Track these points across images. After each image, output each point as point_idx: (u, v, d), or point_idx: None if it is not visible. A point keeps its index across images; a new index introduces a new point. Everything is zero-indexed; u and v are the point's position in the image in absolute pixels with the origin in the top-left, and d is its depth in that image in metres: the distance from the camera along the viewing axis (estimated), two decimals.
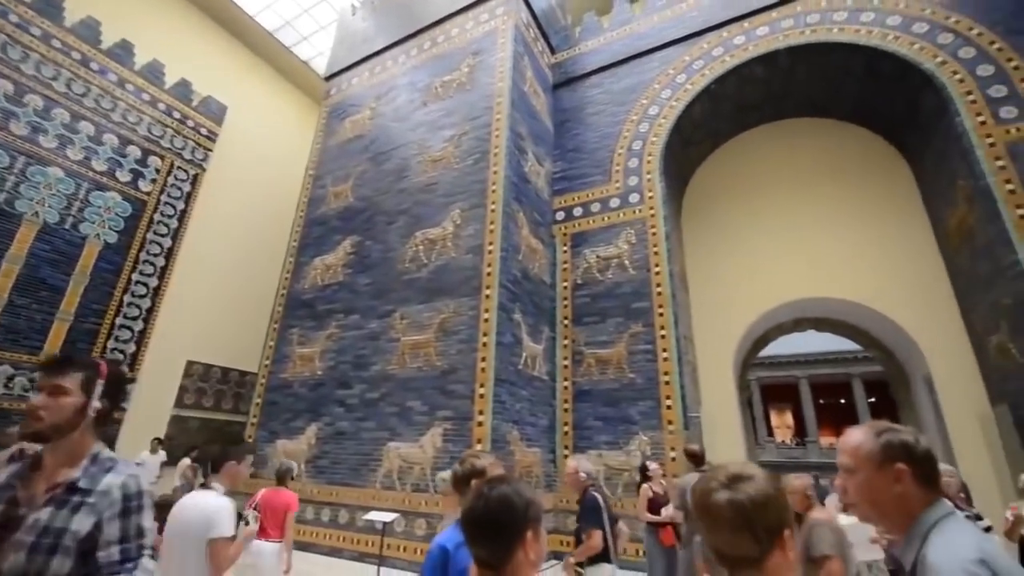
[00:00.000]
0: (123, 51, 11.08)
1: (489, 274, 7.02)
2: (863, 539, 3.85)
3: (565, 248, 8.86)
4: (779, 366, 27.56)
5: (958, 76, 6.90)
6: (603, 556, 3.44)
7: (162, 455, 8.61)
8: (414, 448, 6.65)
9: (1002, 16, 6.95)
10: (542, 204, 8.85)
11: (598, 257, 8.43)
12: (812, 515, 2.83)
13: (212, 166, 12.57)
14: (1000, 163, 6.26)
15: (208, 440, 10.91)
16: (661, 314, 7.58)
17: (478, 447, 6.13)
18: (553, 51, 10.80)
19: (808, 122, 9.76)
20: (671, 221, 8.75)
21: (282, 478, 4.17)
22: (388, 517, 5.05)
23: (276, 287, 10.01)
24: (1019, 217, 5.98)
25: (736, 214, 9.79)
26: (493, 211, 7.44)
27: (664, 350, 7.39)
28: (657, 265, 7.88)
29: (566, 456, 7.54)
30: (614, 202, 8.68)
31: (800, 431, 29.42)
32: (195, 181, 12.06)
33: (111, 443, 9.00)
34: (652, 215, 8.24)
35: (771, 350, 16.91)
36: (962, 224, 7.12)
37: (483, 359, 6.55)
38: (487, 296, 6.89)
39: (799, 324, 10.58)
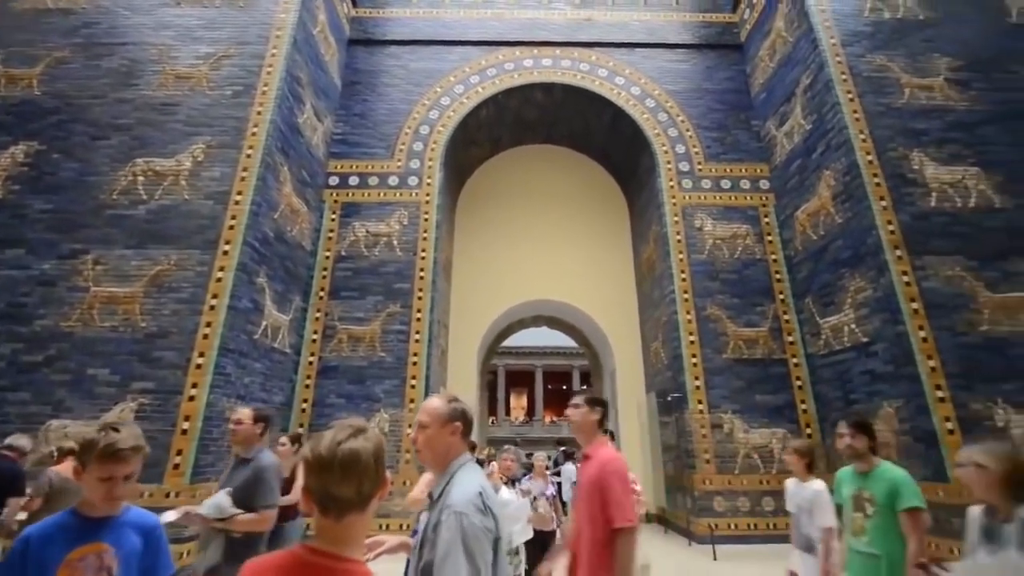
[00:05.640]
0: None
1: (232, 228, 6.07)
2: (523, 520, 4.01)
3: (334, 216, 8.33)
4: (521, 355, 31.82)
5: (664, 148, 9.11)
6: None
7: None
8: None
9: (698, 112, 9.45)
10: (314, 163, 8.11)
11: (367, 232, 8.20)
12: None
13: None
14: (676, 219, 8.52)
15: None
16: (420, 298, 7.85)
17: (185, 424, 5.26)
18: (355, 2, 10.00)
19: (569, 153, 11.49)
20: (444, 211, 9.13)
21: None
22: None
23: None
24: (680, 260, 8.26)
25: (500, 217, 10.88)
26: (249, 157, 6.46)
27: (417, 332, 7.68)
28: (424, 251, 8.13)
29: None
30: (393, 180, 8.58)
31: (531, 411, 34.57)
32: None
33: None
34: (427, 201, 8.45)
35: (516, 341, 19.38)
36: (649, 259, 9.46)
37: (208, 324, 5.63)
38: (225, 252, 5.94)
39: (536, 320, 12.42)
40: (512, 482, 4.22)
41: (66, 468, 3.94)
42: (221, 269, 5.88)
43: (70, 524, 1.45)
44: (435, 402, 1.59)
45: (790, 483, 3.24)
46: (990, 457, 1.80)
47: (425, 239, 8.19)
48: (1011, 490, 1.74)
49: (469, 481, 1.44)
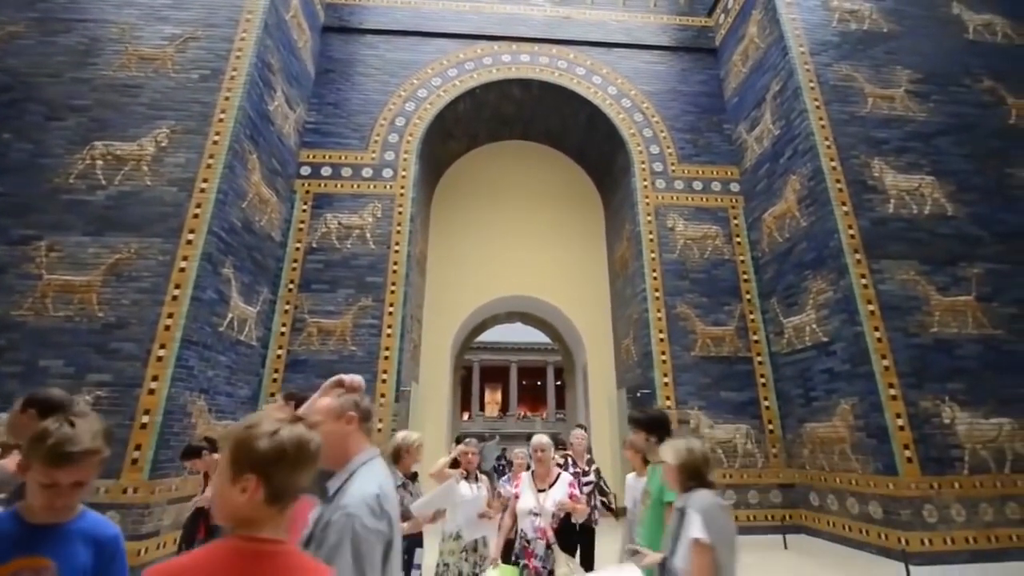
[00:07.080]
0: None
1: (197, 216, 5.88)
2: (472, 515, 3.73)
3: (305, 207, 8.16)
4: (496, 351, 31.85)
5: (639, 148, 9.22)
6: None
7: None
8: None
9: (672, 113, 9.59)
10: (285, 152, 7.92)
11: (340, 224, 8.06)
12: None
13: None
14: (649, 218, 8.66)
15: None
16: (393, 292, 7.77)
17: (144, 419, 5.09)
18: None
19: (546, 150, 11.52)
20: (419, 204, 9.05)
21: None
22: None
23: None
24: (652, 258, 8.41)
25: (476, 213, 10.84)
26: (216, 143, 6.27)
27: (389, 326, 7.61)
28: (398, 244, 8.04)
29: None
30: (367, 172, 8.45)
31: (505, 406, 34.70)
32: None
33: None
34: (402, 194, 8.36)
35: (491, 336, 19.39)
36: (623, 256, 9.59)
37: (170, 315, 5.46)
38: (189, 242, 5.76)
39: (511, 316, 12.44)
40: (475, 477, 4.05)
41: (11, 463, 3.77)
42: (185, 258, 5.70)
43: (7, 531, 1.21)
44: (325, 401, 1.50)
45: (629, 478, 3.12)
46: (672, 453, 2.01)
47: (399, 232, 8.11)
48: (684, 481, 1.98)
49: (368, 481, 1.37)
